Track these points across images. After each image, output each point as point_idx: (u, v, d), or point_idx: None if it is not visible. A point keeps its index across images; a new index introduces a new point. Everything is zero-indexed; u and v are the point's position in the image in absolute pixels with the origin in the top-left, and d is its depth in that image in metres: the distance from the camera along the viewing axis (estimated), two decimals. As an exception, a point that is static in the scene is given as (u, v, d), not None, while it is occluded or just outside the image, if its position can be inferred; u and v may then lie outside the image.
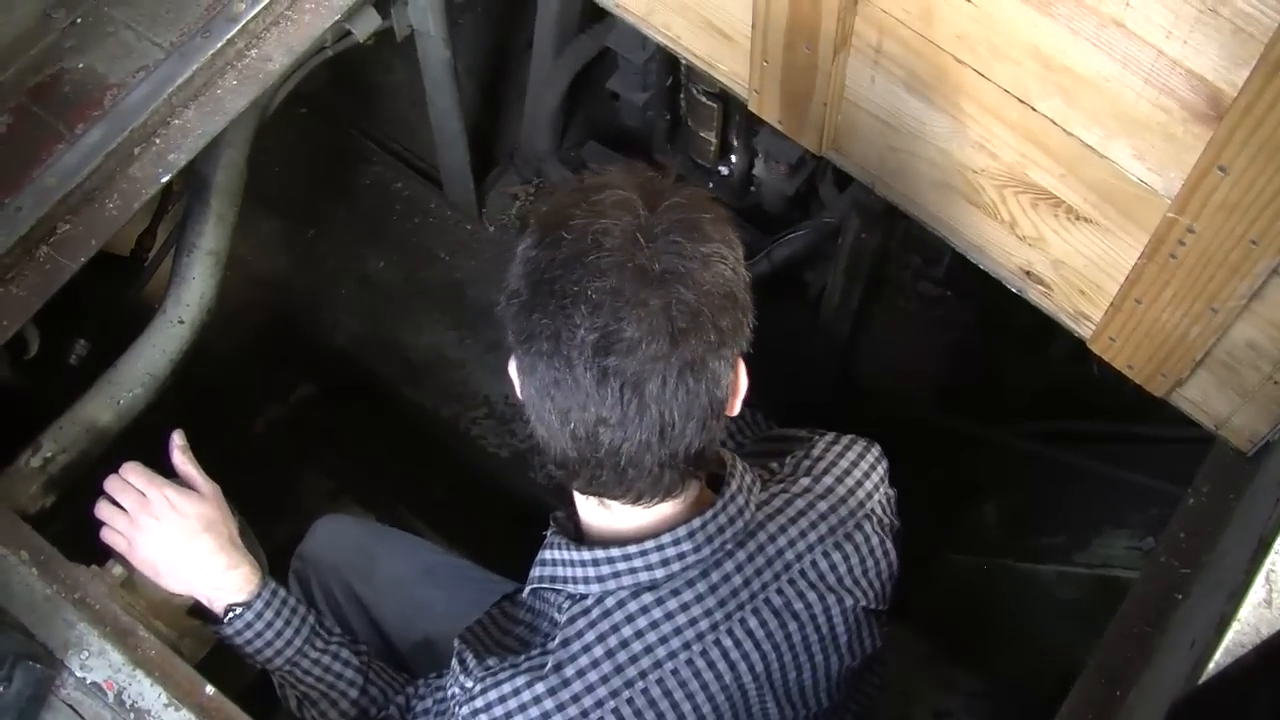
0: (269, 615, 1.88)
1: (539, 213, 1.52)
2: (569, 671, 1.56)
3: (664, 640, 1.57)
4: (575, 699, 1.55)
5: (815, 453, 1.74)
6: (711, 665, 1.60)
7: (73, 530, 2.09)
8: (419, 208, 3.41)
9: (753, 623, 1.61)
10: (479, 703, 1.58)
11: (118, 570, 1.94)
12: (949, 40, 1.71)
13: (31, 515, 2.04)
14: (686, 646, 1.58)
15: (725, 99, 2.76)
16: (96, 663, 1.76)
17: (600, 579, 1.57)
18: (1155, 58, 1.49)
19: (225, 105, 2.22)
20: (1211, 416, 1.92)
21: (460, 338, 3.26)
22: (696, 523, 1.56)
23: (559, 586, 1.61)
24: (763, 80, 2.02)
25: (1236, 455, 1.94)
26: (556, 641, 1.58)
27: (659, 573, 1.56)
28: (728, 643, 1.60)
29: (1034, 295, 1.99)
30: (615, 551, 1.56)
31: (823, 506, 1.67)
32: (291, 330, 3.23)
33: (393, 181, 3.45)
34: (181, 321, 2.33)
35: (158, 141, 2.18)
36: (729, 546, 1.59)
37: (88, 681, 1.75)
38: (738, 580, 1.60)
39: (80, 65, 2.23)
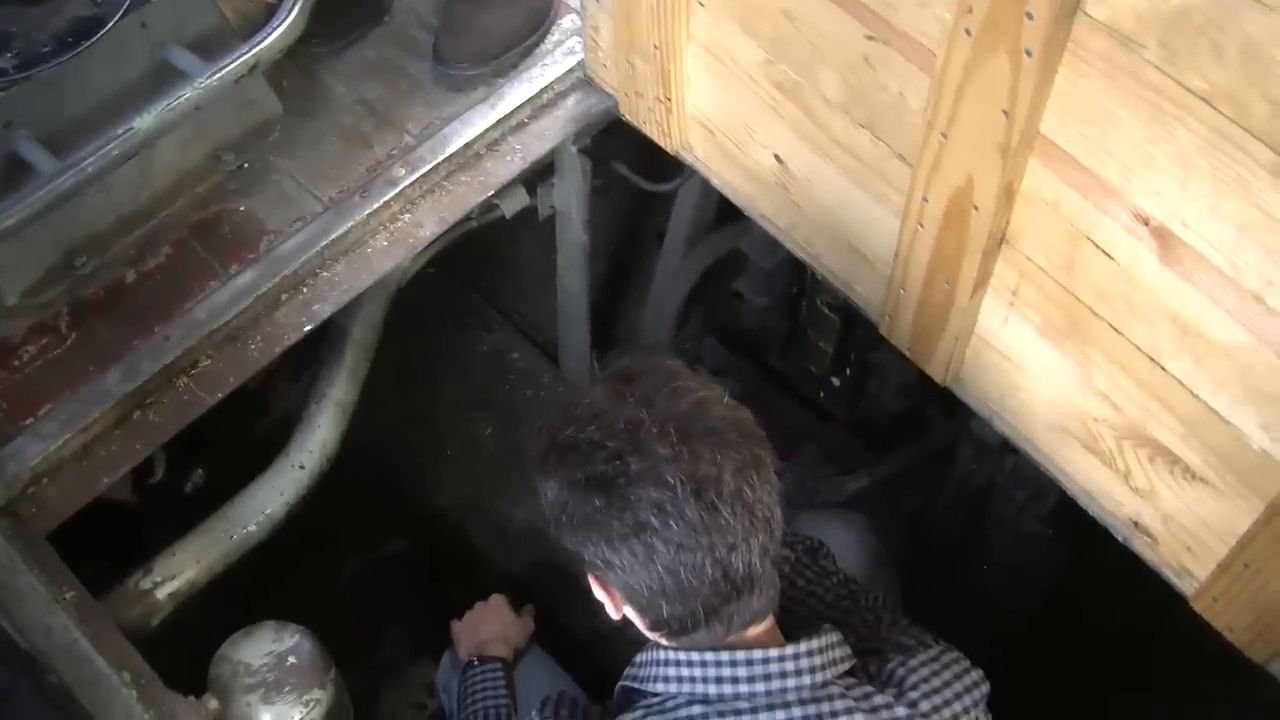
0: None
1: (544, 449, 1.60)
2: None
3: None
4: None
5: (912, 663, 1.72)
6: None
7: (171, 657, 2.13)
8: (533, 380, 3.46)
9: None
10: None
11: (213, 704, 1.97)
12: (1087, 292, 1.74)
13: (135, 636, 2.08)
14: None
15: (847, 312, 2.79)
16: (183, 794, 1.79)
17: (666, 679, 1.63)
18: (1292, 336, 1.51)
19: (374, 264, 2.30)
20: (1309, 689, 1.90)
21: (558, 515, 3.25)
22: (758, 653, 1.60)
23: (639, 685, 1.68)
24: (897, 307, 2.06)
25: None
26: None
27: (712, 689, 1.60)
28: None
29: (1139, 545, 1.98)
30: (682, 655, 1.62)
31: (900, 712, 1.64)
32: (392, 484, 3.26)
33: (509, 351, 3.51)
34: (302, 467, 2.39)
35: (305, 291, 2.26)
36: (789, 697, 1.60)
37: (172, 812, 1.78)
38: None
39: (241, 208, 2.33)
